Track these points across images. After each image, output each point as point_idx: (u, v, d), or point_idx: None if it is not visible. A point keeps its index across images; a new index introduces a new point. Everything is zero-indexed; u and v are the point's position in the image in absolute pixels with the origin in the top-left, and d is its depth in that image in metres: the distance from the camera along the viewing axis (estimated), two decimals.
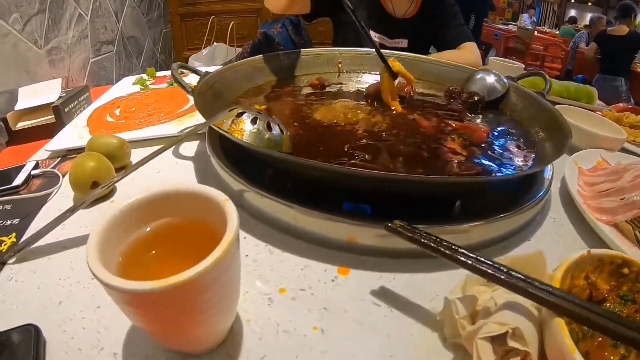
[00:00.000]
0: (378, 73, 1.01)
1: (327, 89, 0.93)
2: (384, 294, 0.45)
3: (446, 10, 1.41)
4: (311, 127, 0.72)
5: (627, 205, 0.59)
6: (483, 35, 2.94)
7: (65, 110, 0.91)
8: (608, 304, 0.40)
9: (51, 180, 0.70)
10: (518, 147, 0.70)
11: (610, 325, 0.31)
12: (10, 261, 0.50)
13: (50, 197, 0.65)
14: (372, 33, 1.42)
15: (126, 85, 1.15)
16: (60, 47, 1.16)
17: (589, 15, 8.52)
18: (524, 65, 1.19)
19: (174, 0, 2.24)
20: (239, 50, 1.85)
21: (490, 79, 0.90)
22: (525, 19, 6.34)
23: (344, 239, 0.50)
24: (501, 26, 3.27)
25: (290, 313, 0.42)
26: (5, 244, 0.54)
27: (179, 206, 0.37)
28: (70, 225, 0.55)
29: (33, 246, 0.51)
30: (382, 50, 1.05)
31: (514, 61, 1.19)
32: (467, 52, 1.35)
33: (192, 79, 0.75)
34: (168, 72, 1.22)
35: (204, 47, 1.88)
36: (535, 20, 7.32)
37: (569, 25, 8.08)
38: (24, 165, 0.73)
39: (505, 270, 0.36)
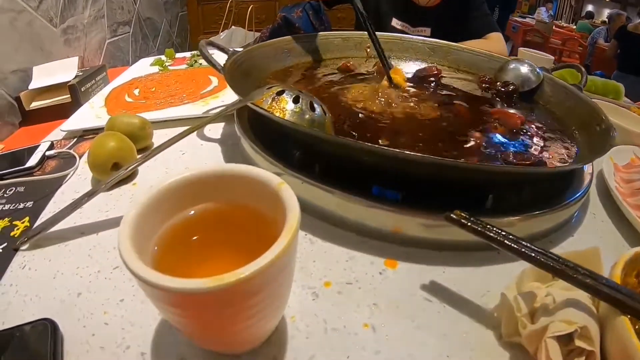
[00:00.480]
0: (407, 57, 0.98)
1: (356, 73, 0.88)
2: (434, 289, 0.41)
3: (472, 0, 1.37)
4: (345, 110, 0.67)
5: None
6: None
7: (82, 89, 0.86)
8: None
9: (67, 161, 0.65)
10: (560, 139, 0.66)
11: None
12: (23, 247, 0.46)
13: (67, 179, 0.60)
14: (394, 20, 1.39)
15: (144, 66, 1.11)
16: (76, 27, 1.11)
17: (606, 11, 8.36)
18: (553, 58, 1.13)
19: None
20: (257, 34, 1.80)
21: (524, 69, 0.85)
22: (542, 13, 6.20)
23: (388, 230, 0.45)
24: (518, 19, 3.17)
25: (338, 309, 0.38)
26: (18, 229, 0.49)
27: (224, 189, 0.32)
28: (88, 209, 0.51)
29: (48, 232, 0.47)
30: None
31: (543, 53, 1.14)
32: (494, 42, 1.30)
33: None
34: (187, 54, 1.17)
35: (222, 31, 1.83)
36: (552, 14, 7.17)
37: (585, 20, 7.92)
38: (38, 145, 0.68)
39: (571, 266, 0.33)
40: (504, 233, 0.36)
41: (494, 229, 0.37)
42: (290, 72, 0.84)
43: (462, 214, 0.36)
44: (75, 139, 0.72)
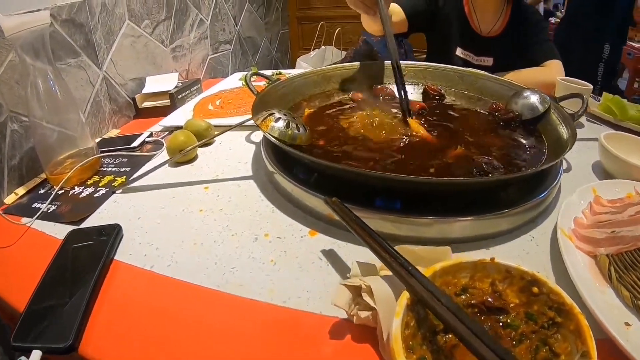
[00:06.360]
0: (438, 85, 1.14)
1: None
2: (329, 254, 0.64)
3: (533, 26, 1.47)
4: (340, 134, 0.90)
5: (614, 239, 0.60)
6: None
7: (179, 97, 1.26)
8: (511, 315, 0.45)
9: (158, 145, 1.03)
10: (524, 160, 0.79)
11: (440, 310, 0.40)
12: (118, 192, 0.83)
13: (155, 156, 0.97)
14: (459, 49, 1.54)
15: (233, 81, 1.49)
16: (182, 46, 1.54)
17: None
18: (591, 87, 1.19)
19: (292, 4, 2.63)
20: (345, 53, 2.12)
21: (534, 98, 0.95)
22: None
23: (325, 213, 0.69)
24: (635, 44, 2.95)
25: (263, 249, 0.65)
26: (118, 182, 0.87)
27: None
28: (161, 175, 0.87)
29: (133, 185, 0.84)
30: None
31: (584, 82, 1.20)
32: (548, 70, 1.38)
33: None
34: (276, 70, 1.52)
35: (313, 49, 2.19)
36: None
37: None
38: (142, 134, 1.08)
39: (392, 252, 0.47)
40: (358, 220, 0.54)
41: (354, 216, 0.55)
42: (325, 96, 1.09)
43: (336, 200, 0.60)
44: (167, 132, 1.11)
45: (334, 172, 0.70)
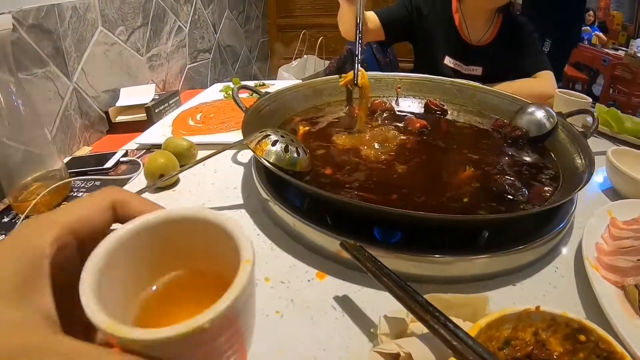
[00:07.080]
0: (438, 100, 1.09)
1: (376, 114, 1.03)
2: (343, 301, 0.54)
3: (524, 37, 1.44)
4: (336, 152, 0.83)
5: None
6: (590, 60, 2.77)
7: (156, 110, 1.16)
8: None
9: (134, 167, 0.92)
10: (540, 181, 0.74)
11: None
12: None
13: (131, 180, 0.87)
14: (447, 59, 1.50)
15: (214, 92, 1.38)
16: (159, 55, 1.43)
17: None
18: (591, 100, 1.16)
19: (273, 12, 2.54)
20: (328, 62, 2.05)
21: (540, 114, 0.91)
22: (638, 45, 5.54)
23: (333, 250, 0.60)
24: (610, 51, 3.02)
25: (265, 297, 0.55)
26: None
27: (179, 247, 0.29)
28: None
29: None
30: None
31: (582, 95, 1.17)
32: (541, 81, 1.37)
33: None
34: (258, 81, 1.44)
35: (295, 59, 2.11)
36: None
37: None
38: (116, 152, 0.97)
39: (427, 308, 0.41)
40: (381, 265, 0.47)
41: (377, 262, 0.48)
42: (317, 111, 1.02)
43: (354, 244, 0.52)
44: (144, 150, 1.00)
45: (354, 209, 0.62)
